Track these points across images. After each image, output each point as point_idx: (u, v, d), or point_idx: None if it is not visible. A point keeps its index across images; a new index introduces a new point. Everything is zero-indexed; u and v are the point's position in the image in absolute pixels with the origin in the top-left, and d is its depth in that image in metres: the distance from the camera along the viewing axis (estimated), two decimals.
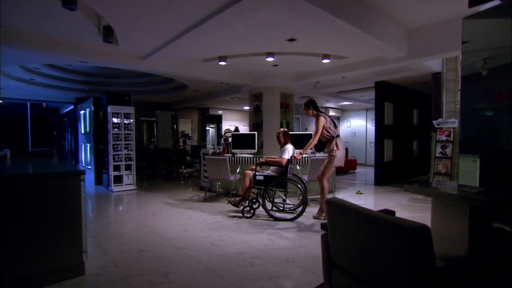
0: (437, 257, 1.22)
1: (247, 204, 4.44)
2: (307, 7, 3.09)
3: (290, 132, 4.98)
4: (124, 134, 6.76)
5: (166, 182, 8.03)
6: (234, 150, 6.10)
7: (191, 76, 6.82)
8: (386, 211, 1.86)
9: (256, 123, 7.58)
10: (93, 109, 7.50)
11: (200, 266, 2.73)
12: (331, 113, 12.62)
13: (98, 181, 7.42)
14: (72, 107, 10.63)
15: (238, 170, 5.48)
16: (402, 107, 8.20)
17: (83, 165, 8.53)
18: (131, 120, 6.88)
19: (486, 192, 2.10)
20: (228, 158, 5.32)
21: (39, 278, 2.32)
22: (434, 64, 5.90)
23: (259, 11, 3.38)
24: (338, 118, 13.45)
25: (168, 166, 8.99)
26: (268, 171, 4.68)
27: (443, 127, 5.79)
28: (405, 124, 8.38)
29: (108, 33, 4.13)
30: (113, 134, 6.60)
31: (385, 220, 1.27)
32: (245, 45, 5.00)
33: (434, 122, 5.92)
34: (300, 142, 5.13)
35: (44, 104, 12.04)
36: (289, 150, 4.50)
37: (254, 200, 4.45)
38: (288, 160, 4.41)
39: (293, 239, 3.49)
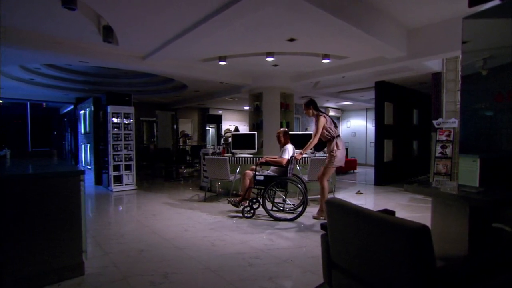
0: (437, 257, 1.22)
1: (247, 204, 4.44)
2: (307, 7, 3.09)
3: (290, 132, 4.98)
4: (124, 134, 6.76)
5: (166, 182, 8.03)
6: (234, 150, 6.10)
7: (191, 76, 6.82)
8: (386, 211, 1.86)
9: (256, 123, 7.58)
10: (93, 109, 7.50)
11: (200, 266, 2.72)
12: (331, 113, 12.62)
13: (98, 181, 7.42)
14: (72, 107, 10.63)
15: (238, 170, 5.48)
16: (402, 107, 8.20)
17: (83, 165, 8.53)
18: (131, 120, 6.88)
19: (486, 192, 2.10)
20: (228, 158, 5.32)
21: (39, 278, 2.32)
22: (434, 64, 5.89)
23: (259, 11, 3.38)
24: (338, 118, 13.45)
25: (168, 166, 8.98)
26: (268, 171, 4.68)
27: (443, 127, 5.79)
28: (405, 124, 8.38)
29: (108, 33, 4.12)
30: (113, 134, 6.60)
31: (385, 220, 1.27)
32: (245, 45, 5.00)
33: (434, 122, 5.92)
34: (300, 142, 5.13)
35: (44, 104, 12.04)
36: (289, 150, 4.50)
37: (254, 200, 4.45)
38: (288, 160, 4.41)
39: (293, 239, 3.49)
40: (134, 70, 6.84)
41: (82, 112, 8.50)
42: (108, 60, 5.31)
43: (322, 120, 4.19)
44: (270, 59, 5.43)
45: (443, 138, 5.77)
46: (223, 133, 11.62)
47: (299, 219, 4.20)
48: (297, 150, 4.57)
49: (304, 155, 4.52)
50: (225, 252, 3.06)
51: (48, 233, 2.38)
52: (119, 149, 6.69)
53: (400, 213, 4.45)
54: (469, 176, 2.65)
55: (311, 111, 4.34)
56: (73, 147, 10.68)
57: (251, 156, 5.73)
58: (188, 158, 10.76)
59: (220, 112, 13.03)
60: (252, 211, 4.37)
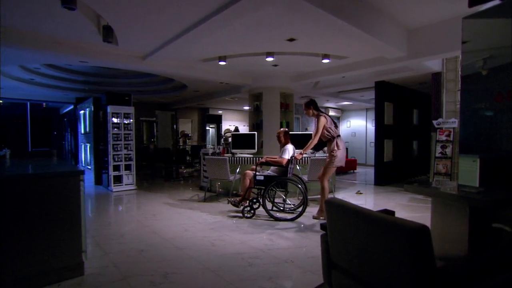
0: (437, 257, 1.22)
1: (247, 204, 4.44)
2: (307, 7, 3.09)
3: (290, 132, 4.98)
4: (124, 134, 6.76)
5: (166, 182, 8.03)
6: (234, 150, 6.10)
7: (191, 76, 6.82)
8: (385, 211, 1.86)
9: (256, 123, 7.58)
10: (93, 109, 7.50)
11: (200, 266, 2.72)
12: (331, 113, 12.62)
13: (98, 181, 7.42)
14: (72, 107, 10.63)
15: (238, 170, 5.48)
16: (402, 107, 8.20)
17: (83, 165, 8.53)
18: (131, 120, 6.88)
19: (486, 192, 2.10)
20: (228, 158, 5.32)
21: (39, 278, 2.32)
22: (434, 64, 5.89)
23: (258, 11, 3.38)
24: (338, 118, 13.45)
25: (168, 166, 8.98)
26: (269, 171, 4.68)
27: (443, 127, 5.79)
28: (405, 124, 8.38)
29: (107, 33, 4.12)
30: (113, 134, 6.59)
31: (384, 220, 1.27)
32: (245, 45, 5.00)
33: (434, 122, 5.92)
34: (300, 142, 5.13)
35: (44, 104, 12.03)
36: (290, 150, 4.50)
37: (254, 200, 4.45)
38: (289, 160, 4.41)
39: (293, 239, 3.49)
40: (134, 70, 6.84)
41: (82, 112, 8.50)
42: (108, 60, 5.31)
43: (323, 120, 4.18)
44: (270, 59, 5.43)
45: (443, 138, 5.77)
46: (223, 133, 11.62)
47: (299, 219, 4.20)
48: (297, 150, 4.57)
49: (304, 155, 4.52)
50: (225, 252, 3.06)
51: (48, 233, 2.38)
52: (119, 149, 6.69)
53: (400, 213, 4.45)
54: (469, 176, 2.65)
55: (311, 111, 4.34)
56: (73, 147, 10.68)
57: (251, 156, 5.73)
58: (188, 158, 10.76)
59: (220, 112, 13.03)
60: (252, 211, 4.37)
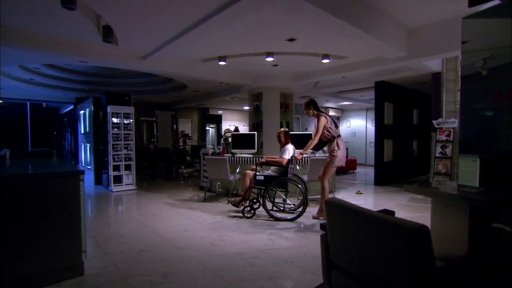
0: (437, 257, 1.22)
1: (247, 204, 4.44)
2: (307, 7, 3.09)
3: (290, 132, 4.98)
4: (124, 134, 6.76)
5: (166, 182, 8.03)
6: (234, 150, 6.10)
7: (191, 76, 6.82)
8: (385, 211, 1.86)
9: (256, 123, 7.58)
10: (93, 109, 7.50)
11: (199, 266, 2.72)
12: (331, 113, 12.62)
13: (98, 181, 7.42)
14: (72, 107, 10.63)
15: (238, 170, 5.48)
16: (402, 107, 8.20)
17: (83, 165, 8.53)
18: (131, 120, 6.88)
19: (486, 192, 2.10)
20: (228, 158, 5.32)
21: (39, 278, 2.32)
22: (434, 64, 5.89)
23: (258, 11, 3.38)
24: (338, 118, 13.45)
25: (168, 166, 8.98)
26: (269, 171, 4.68)
27: (443, 127, 5.79)
28: (405, 124, 8.38)
29: (107, 33, 4.12)
30: (112, 134, 6.60)
31: (384, 220, 1.27)
32: (244, 45, 5.00)
33: (434, 122, 5.92)
34: (300, 142, 5.13)
35: (44, 104, 12.03)
36: (290, 150, 4.50)
37: (254, 200, 4.45)
38: (289, 160, 4.41)
39: (293, 239, 3.49)
40: (133, 70, 6.83)
41: (82, 112, 8.50)
42: (108, 60, 5.31)
43: (323, 120, 4.18)
44: (270, 59, 5.43)
45: (443, 138, 5.77)
46: (223, 133, 11.63)
47: (299, 219, 4.20)
48: (298, 150, 4.57)
49: (304, 155, 4.52)
50: (225, 252, 3.06)
51: (48, 233, 2.38)
52: (119, 149, 6.69)
53: (400, 213, 4.45)
54: (469, 176, 2.65)
55: (311, 111, 4.34)
56: (73, 147, 10.68)
57: (251, 156, 5.73)
58: (188, 158, 10.76)
59: (220, 112, 13.03)
60: (252, 211, 4.37)
